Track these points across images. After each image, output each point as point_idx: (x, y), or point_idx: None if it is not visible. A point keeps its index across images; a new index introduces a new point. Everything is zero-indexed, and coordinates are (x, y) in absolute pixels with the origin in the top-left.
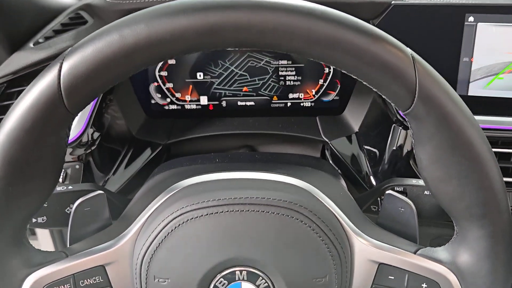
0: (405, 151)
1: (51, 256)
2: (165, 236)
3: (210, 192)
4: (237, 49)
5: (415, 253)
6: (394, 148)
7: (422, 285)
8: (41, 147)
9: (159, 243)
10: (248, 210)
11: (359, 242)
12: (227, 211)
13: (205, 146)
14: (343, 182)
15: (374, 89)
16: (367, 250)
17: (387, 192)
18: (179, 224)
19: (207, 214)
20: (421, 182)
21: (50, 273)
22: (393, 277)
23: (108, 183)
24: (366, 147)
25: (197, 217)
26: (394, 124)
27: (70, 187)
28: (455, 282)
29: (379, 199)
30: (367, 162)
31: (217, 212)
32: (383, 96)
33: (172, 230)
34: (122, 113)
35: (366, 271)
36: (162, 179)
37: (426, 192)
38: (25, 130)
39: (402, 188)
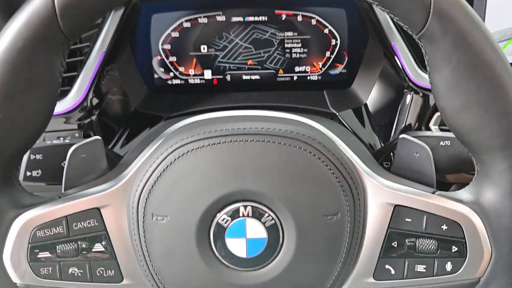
0: (417, 118)
1: (42, 198)
2: (164, 170)
3: (212, 124)
4: (241, 19)
5: (433, 194)
6: (405, 116)
7: (442, 227)
8: (33, 72)
9: (157, 178)
10: (253, 140)
11: (372, 183)
12: (230, 141)
13: None
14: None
15: (385, 11)
16: (381, 191)
17: (401, 136)
18: (179, 157)
19: (208, 145)
20: (436, 133)
21: (41, 214)
22: (410, 220)
23: None
24: (375, 118)
25: (198, 148)
26: (405, 90)
27: (66, 140)
28: (479, 223)
29: (391, 154)
30: (377, 134)
31: (219, 143)
32: (395, 19)
33: (170, 163)
34: (124, 85)
35: (380, 214)
36: (161, 126)
37: (442, 143)
38: (17, 49)
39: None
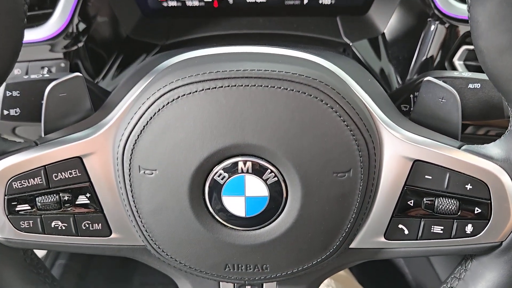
0: (440, 52)
1: (18, 145)
2: (151, 117)
3: (207, 64)
4: None
5: (459, 148)
6: (428, 49)
7: (466, 186)
8: None
9: (144, 126)
10: (254, 85)
11: (390, 134)
12: (228, 86)
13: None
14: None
15: None
16: (399, 144)
17: (425, 79)
18: (168, 102)
19: (202, 90)
20: (465, 74)
21: (16, 164)
22: (430, 177)
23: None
24: (394, 50)
25: (190, 93)
26: (429, 19)
27: (46, 74)
28: (508, 182)
29: (411, 96)
30: (395, 68)
31: (215, 87)
32: None
33: (159, 110)
34: (114, 8)
35: (397, 169)
36: (152, 60)
37: (470, 86)
38: None
39: (441, 80)
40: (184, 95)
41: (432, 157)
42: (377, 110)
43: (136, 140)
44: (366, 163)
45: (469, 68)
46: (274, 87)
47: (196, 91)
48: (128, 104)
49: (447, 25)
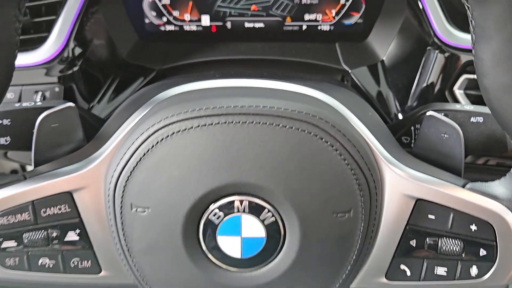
0: (440, 80)
1: (5, 178)
2: (145, 153)
3: (204, 99)
4: None
5: (463, 187)
6: (427, 77)
7: (471, 226)
8: None
9: (137, 162)
10: (252, 122)
11: (392, 171)
12: (225, 123)
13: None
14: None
15: None
16: (401, 182)
17: (428, 113)
18: (163, 138)
19: (198, 126)
20: (467, 106)
21: (3, 199)
22: (434, 217)
23: (92, 111)
24: (393, 77)
25: (185, 129)
26: (429, 48)
27: (38, 102)
28: None
29: (412, 128)
30: (394, 95)
31: (212, 124)
32: None
33: (153, 146)
34: (110, 32)
35: (399, 208)
36: (147, 91)
37: (473, 119)
38: None
39: (442, 113)
40: (180, 131)
41: (435, 196)
42: (379, 146)
43: (128, 177)
44: (368, 203)
45: (470, 97)
46: (272, 124)
47: (192, 127)
48: (121, 138)
49: (447, 54)
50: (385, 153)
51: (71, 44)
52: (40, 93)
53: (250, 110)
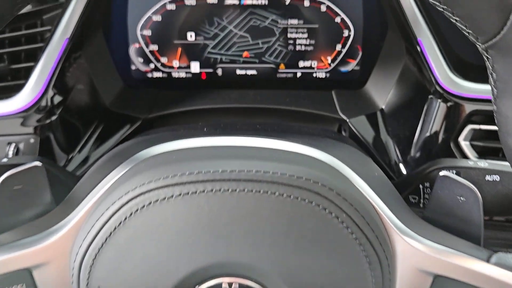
0: (444, 131)
1: None
2: (116, 227)
3: (187, 162)
4: (237, 2)
5: (488, 261)
6: (430, 127)
7: None
8: None
9: (107, 237)
10: (244, 190)
11: (406, 243)
12: (211, 191)
13: (196, 123)
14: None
15: (440, 7)
16: (417, 255)
17: (441, 174)
18: (137, 209)
19: (179, 195)
20: (481, 163)
21: None
22: None
23: (71, 163)
24: (394, 127)
25: (164, 198)
26: (430, 96)
27: (4, 159)
28: None
29: (421, 186)
30: (395, 146)
31: (195, 192)
32: (454, 19)
33: (126, 218)
34: (94, 78)
35: (415, 286)
36: (126, 147)
37: (488, 178)
38: None
39: (454, 171)
40: (157, 200)
41: (456, 272)
42: (389, 213)
43: (96, 255)
44: (380, 284)
45: (476, 149)
46: (266, 192)
47: (172, 196)
48: (90, 206)
49: (450, 103)
50: (396, 222)
51: (50, 92)
52: (13, 145)
53: (241, 175)
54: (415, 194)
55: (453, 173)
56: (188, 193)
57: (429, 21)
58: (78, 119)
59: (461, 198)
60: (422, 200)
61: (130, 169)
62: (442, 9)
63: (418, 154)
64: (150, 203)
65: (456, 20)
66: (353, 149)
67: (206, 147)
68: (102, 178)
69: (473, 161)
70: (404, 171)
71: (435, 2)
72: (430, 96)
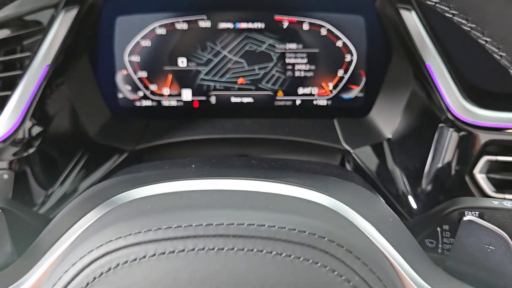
0: (457, 162)
1: None
2: None
3: (163, 212)
4: (231, 26)
5: None
6: (442, 158)
7: None
8: None
9: None
10: (233, 248)
11: None
12: (192, 250)
13: (187, 155)
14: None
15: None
16: None
17: (466, 219)
18: (102, 273)
19: (154, 255)
20: (508, 203)
21: None
22: None
23: (51, 199)
24: (402, 158)
25: (135, 259)
26: (441, 125)
27: None
28: None
29: (439, 229)
30: (404, 178)
31: (173, 252)
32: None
33: (87, 284)
34: (77, 107)
35: None
36: (100, 189)
37: None
38: None
39: (476, 213)
40: (126, 262)
41: None
42: (408, 269)
43: None
44: None
45: (492, 181)
46: (261, 251)
47: (145, 257)
48: (49, 266)
49: (463, 132)
50: (418, 280)
51: (28, 123)
52: None
53: (230, 230)
54: (432, 237)
55: (475, 214)
56: (164, 253)
57: (437, 44)
58: (59, 152)
59: (490, 247)
60: (440, 245)
61: (99, 219)
62: (469, 28)
63: (429, 188)
64: (117, 265)
65: (486, 41)
66: (362, 189)
67: (189, 192)
68: (70, 226)
69: (499, 201)
70: (414, 205)
71: (461, 20)
72: (440, 125)
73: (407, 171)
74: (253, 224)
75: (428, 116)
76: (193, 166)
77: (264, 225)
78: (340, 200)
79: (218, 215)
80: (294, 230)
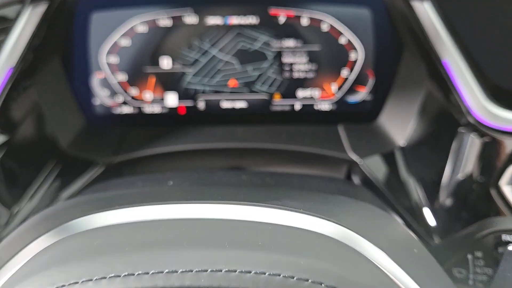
0: (480, 172)
1: None
2: None
3: (114, 253)
4: (221, 22)
5: None
6: (462, 167)
7: None
8: None
9: None
10: None
11: None
12: None
13: (172, 169)
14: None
15: None
16: None
17: (510, 248)
18: None
19: None
20: None
21: None
22: None
23: (15, 220)
24: (417, 168)
25: None
26: (461, 129)
27: None
28: None
29: (469, 256)
30: (420, 192)
31: None
32: None
33: None
34: (47, 115)
35: None
36: (50, 214)
37: None
38: None
39: None
40: None
41: None
42: None
43: None
44: None
45: None
46: None
47: None
48: None
49: (487, 138)
50: None
51: None
52: None
53: (201, 280)
54: (461, 266)
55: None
56: None
57: (455, 38)
58: (25, 165)
59: None
60: (471, 275)
61: (31, 260)
62: None
63: (449, 202)
64: None
65: None
66: (375, 210)
67: (155, 222)
68: (10, 258)
69: None
70: (433, 222)
71: None
72: (460, 129)
73: (423, 183)
74: (234, 271)
75: (446, 120)
76: (171, 183)
77: (249, 272)
78: (351, 227)
79: (186, 257)
80: (292, 278)
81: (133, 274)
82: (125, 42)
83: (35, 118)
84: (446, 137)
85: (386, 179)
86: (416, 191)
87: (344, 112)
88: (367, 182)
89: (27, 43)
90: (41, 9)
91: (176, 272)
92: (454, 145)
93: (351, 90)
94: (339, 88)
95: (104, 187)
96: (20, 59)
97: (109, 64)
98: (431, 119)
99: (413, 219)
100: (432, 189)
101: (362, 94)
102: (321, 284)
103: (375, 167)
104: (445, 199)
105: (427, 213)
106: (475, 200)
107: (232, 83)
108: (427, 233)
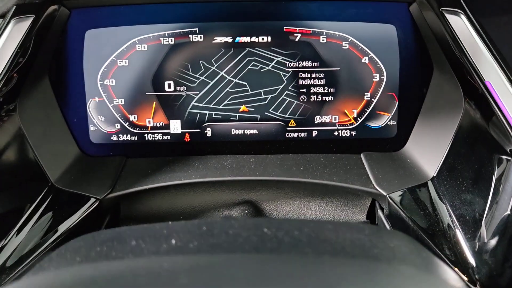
0: None
1: None
2: None
3: None
4: (230, 40)
5: None
6: (510, 202)
7: None
8: None
9: None
10: None
11: None
12: None
13: (176, 203)
14: None
15: None
16: None
17: None
18: None
19: None
20: None
21: None
22: None
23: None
24: (454, 203)
25: None
26: (508, 158)
27: None
28: None
29: None
30: (460, 231)
31: None
32: None
33: None
34: (33, 145)
35: None
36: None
37: None
38: None
39: None
40: None
41: None
42: None
43: None
44: None
45: None
46: None
47: None
48: None
49: None
50: None
51: None
52: None
53: None
54: None
55: None
56: None
57: (498, 55)
58: (7, 201)
59: None
60: None
61: None
62: None
63: (494, 242)
64: None
65: None
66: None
67: None
68: None
69: None
70: (478, 267)
71: None
72: (507, 158)
73: (463, 221)
74: None
75: (488, 147)
76: (173, 241)
77: None
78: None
79: None
80: None
81: None
82: (123, 62)
83: (18, 148)
84: (489, 167)
85: (417, 215)
86: (455, 230)
87: (366, 139)
88: (394, 217)
89: (8, 61)
90: (25, 24)
91: None
92: (499, 176)
93: (374, 115)
94: (361, 113)
95: (87, 245)
96: (1, 79)
97: (105, 87)
98: (469, 146)
99: (453, 263)
100: (472, 226)
101: (386, 118)
102: None
103: (405, 201)
104: (489, 239)
105: (470, 256)
106: None
107: (243, 108)
108: (470, 279)
